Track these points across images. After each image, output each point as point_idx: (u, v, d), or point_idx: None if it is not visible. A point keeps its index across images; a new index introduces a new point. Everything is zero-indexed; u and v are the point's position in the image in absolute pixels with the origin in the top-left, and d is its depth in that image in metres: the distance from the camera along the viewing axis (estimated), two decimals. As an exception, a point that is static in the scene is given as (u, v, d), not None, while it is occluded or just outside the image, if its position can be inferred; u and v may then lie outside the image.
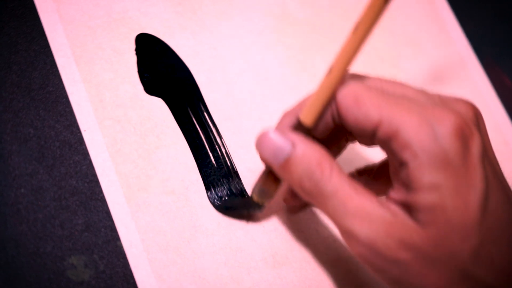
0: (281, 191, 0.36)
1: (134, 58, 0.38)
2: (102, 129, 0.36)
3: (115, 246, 0.33)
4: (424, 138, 0.27)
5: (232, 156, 0.38)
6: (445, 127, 0.27)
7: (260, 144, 0.31)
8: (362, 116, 0.28)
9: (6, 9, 0.37)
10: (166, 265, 0.34)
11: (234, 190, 0.37)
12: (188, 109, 0.38)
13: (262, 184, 0.33)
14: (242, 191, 0.37)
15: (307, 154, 0.29)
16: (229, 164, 0.38)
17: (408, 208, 0.28)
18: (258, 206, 0.34)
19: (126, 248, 0.34)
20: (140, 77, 0.38)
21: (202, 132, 0.38)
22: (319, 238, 0.38)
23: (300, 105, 0.32)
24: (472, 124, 0.28)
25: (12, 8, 0.37)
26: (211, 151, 0.38)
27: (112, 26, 0.38)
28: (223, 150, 0.38)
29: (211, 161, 0.37)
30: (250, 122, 0.40)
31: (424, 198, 0.27)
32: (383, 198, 0.29)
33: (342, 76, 0.29)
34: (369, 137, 0.29)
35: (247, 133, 0.39)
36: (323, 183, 0.29)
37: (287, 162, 0.30)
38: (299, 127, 0.30)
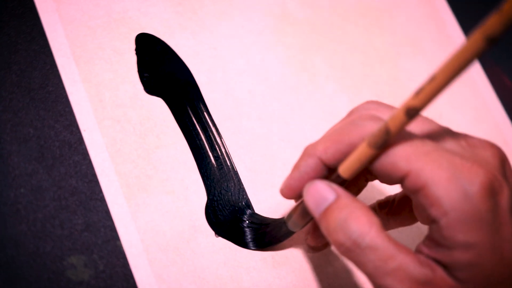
0: (306, 230, 0.36)
1: (134, 58, 0.38)
2: (101, 129, 0.36)
3: (115, 246, 0.33)
4: (453, 195, 0.27)
5: (232, 156, 0.38)
6: (474, 184, 0.27)
7: (307, 191, 0.30)
8: (390, 166, 0.28)
9: (6, 9, 0.37)
10: (166, 265, 0.34)
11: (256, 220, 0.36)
12: (188, 109, 0.38)
13: (294, 216, 0.33)
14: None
15: (348, 206, 0.29)
16: (229, 164, 0.38)
17: (445, 265, 0.28)
18: (289, 232, 0.34)
19: (126, 248, 0.34)
20: (140, 77, 0.38)
21: (202, 132, 0.38)
22: (319, 238, 0.38)
23: (325, 148, 0.31)
24: (499, 175, 0.28)
25: (12, 8, 0.37)
26: (211, 151, 0.38)
27: (112, 26, 0.38)
28: (223, 150, 0.38)
29: (211, 161, 0.37)
30: (250, 122, 0.39)
31: (460, 256, 0.27)
32: (420, 255, 0.29)
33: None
34: (394, 183, 0.29)
35: (247, 133, 0.39)
36: (362, 237, 0.28)
37: (327, 211, 0.29)
38: (336, 178, 0.30)
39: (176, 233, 0.35)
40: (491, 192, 0.27)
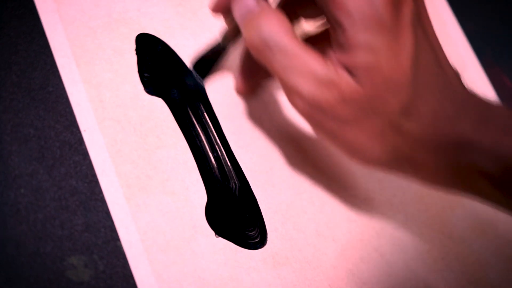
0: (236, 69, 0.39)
1: (134, 58, 0.38)
2: (102, 129, 0.36)
3: (115, 246, 0.34)
4: (359, 0, 0.29)
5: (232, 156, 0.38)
6: None
7: (235, 5, 0.33)
8: None
9: (6, 9, 0.37)
10: (166, 265, 0.34)
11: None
12: (188, 109, 0.38)
13: (226, 30, 0.36)
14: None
15: (267, 14, 0.31)
16: (229, 164, 0.38)
17: (348, 67, 0.30)
18: (223, 48, 0.37)
19: (126, 248, 0.34)
20: (141, 77, 0.38)
21: (202, 132, 0.38)
22: (319, 238, 0.38)
23: None
24: None
25: (12, 8, 0.37)
26: (211, 151, 0.38)
27: (113, 26, 0.38)
28: (223, 150, 0.38)
29: (211, 161, 0.37)
30: (250, 122, 0.39)
31: (360, 58, 0.29)
32: (326, 58, 0.31)
33: None
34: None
35: (247, 133, 0.39)
36: (271, 37, 0.31)
37: (249, 19, 0.32)
38: None
39: (176, 234, 0.35)
40: (394, 0, 0.29)
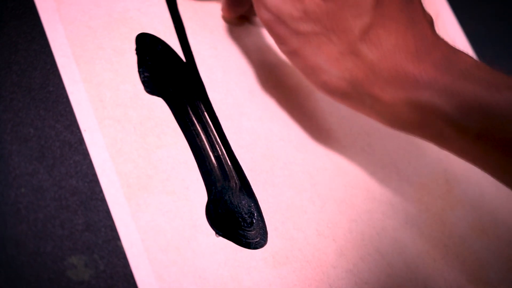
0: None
1: (134, 58, 0.38)
2: (102, 129, 0.36)
3: (115, 246, 0.34)
4: None
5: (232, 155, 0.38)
6: None
7: None
8: None
9: (6, 9, 0.37)
10: (166, 265, 0.34)
11: None
12: (189, 108, 0.38)
13: None
14: None
15: None
16: (229, 164, 0.38)
17: None
18: None
19: (126, 248, 0.34)
20: (141, 77, 0.38)
21: (202, 132, 0.38)
22: (319, 238, 0.38)
23: None
24: None
25: (12, 8, 0.37)
26: (211, 151, 0.38)
27: (113, 26, 0.38)
28: (224, 150, 0.38)
29: (211, 160, 0.37)
30: (250, 122, 0.40)
31: None
32: None
33: None
34: None
35: (247, 133, 0.39)
36: None
37: None
38: None
39: (176, 233, 0.35)
40: None
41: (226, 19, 0.41)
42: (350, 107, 0.34)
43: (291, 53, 0.33)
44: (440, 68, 0.31)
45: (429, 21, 0.33)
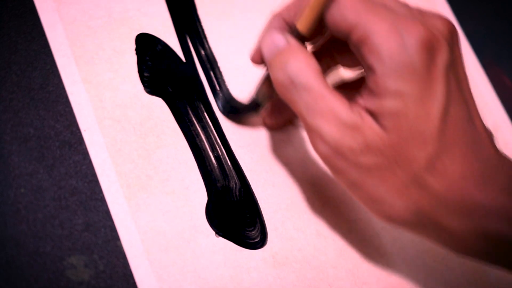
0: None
1: (134, 58, 0.38)
2: (102, 129, 0.36)
3: (115, 246, 0.33)
4: (392, 45, 0.28)
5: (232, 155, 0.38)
6: (413, 38, 0.28)
7: (263, 40, 0.32)
8: (339, 18, 0.29)
9: (6, 9, 0.37)
10: (166, 265, 0.34)
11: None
12: (188, 108, 0.38)
13: (261, 86, 0.35)
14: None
15: (295, 51, 0.31)
16: (229, 164, 0.38)
17: (374, 114, 0.29)
18: (257, 105, 0.36)
19: (126, 248, 0.34)
20: (140, 77, 0.38)
21: (202, 132, 0.38)
22: (319, 238, 0.38)
23: (288, 9, 0.33)
24: (442, 38, 0.29)
25: (12, 7, 0.37)
26: (211, 151, 0.37)
27: (113, 26, 0.38)
28: (223, 150, 0.38)
29: (211, 160, 0.37)
30: (250, 121, 0.39)
31: (388, 104, 0.28)
32: (353, 103, 0.30)
33: None
34: (345, 40, 0.30)
35: (247, 133, 0.39)
36: (297, 76, 0.30)
37: (276, 55, 0.31)
38: (294, 33, 0.32)
39: (176, 233, 0.35)
40: (429, 48, 0.28)
41: (269, 127, 0.39)
42: (414, 234, 0.32)
43: (351, 185, 0.30)
44: (506, 192, 0.29)
45: (490, 138, 0.31)
